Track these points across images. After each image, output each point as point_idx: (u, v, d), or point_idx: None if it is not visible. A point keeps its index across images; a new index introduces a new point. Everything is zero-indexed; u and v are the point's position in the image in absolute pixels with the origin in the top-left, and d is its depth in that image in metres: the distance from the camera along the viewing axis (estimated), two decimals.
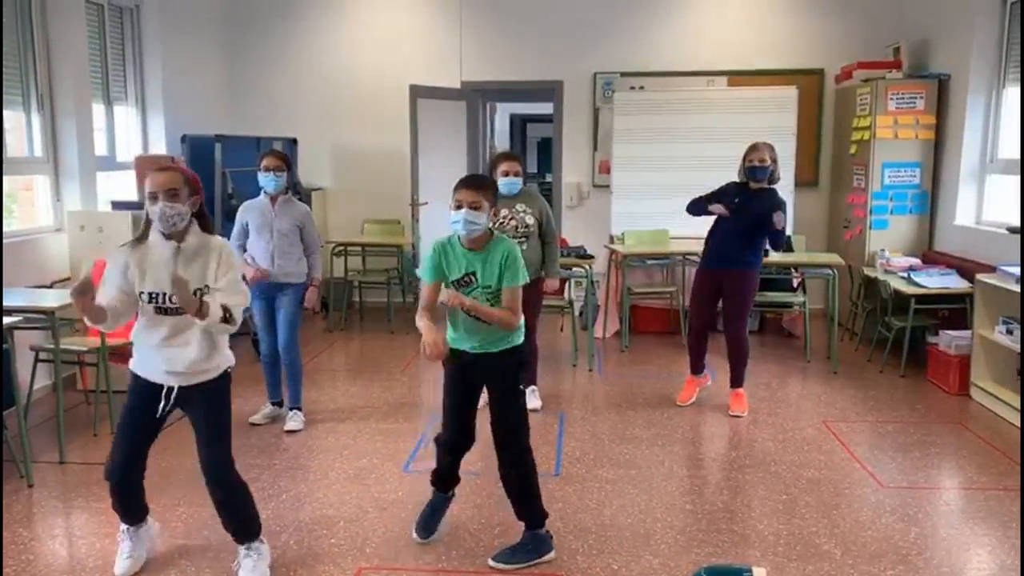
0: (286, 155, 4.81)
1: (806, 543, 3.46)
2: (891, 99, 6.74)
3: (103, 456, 4.33)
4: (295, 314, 4.80)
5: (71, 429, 4.66)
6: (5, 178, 5.55)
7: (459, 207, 3.12)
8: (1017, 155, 5.78)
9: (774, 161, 4.97)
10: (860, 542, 3.47)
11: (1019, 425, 4.79)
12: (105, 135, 6.49)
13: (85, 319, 2.94)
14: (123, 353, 5.10)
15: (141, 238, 3.01)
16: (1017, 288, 4.93)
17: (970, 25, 6.31)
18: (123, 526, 3.24)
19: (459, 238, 3.22)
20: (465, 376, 3.34)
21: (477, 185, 3.17)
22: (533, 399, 5.15)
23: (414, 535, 3.46)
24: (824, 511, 3.76)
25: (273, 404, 4.95)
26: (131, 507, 3.21)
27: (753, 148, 5.01)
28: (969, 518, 3.72)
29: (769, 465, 4.31)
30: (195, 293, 2.90)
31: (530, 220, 4.94)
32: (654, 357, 6.49)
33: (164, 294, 2.95)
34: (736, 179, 5.10)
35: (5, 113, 5.34)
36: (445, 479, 3.51)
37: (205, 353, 3.02)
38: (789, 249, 6.65)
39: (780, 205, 4.89)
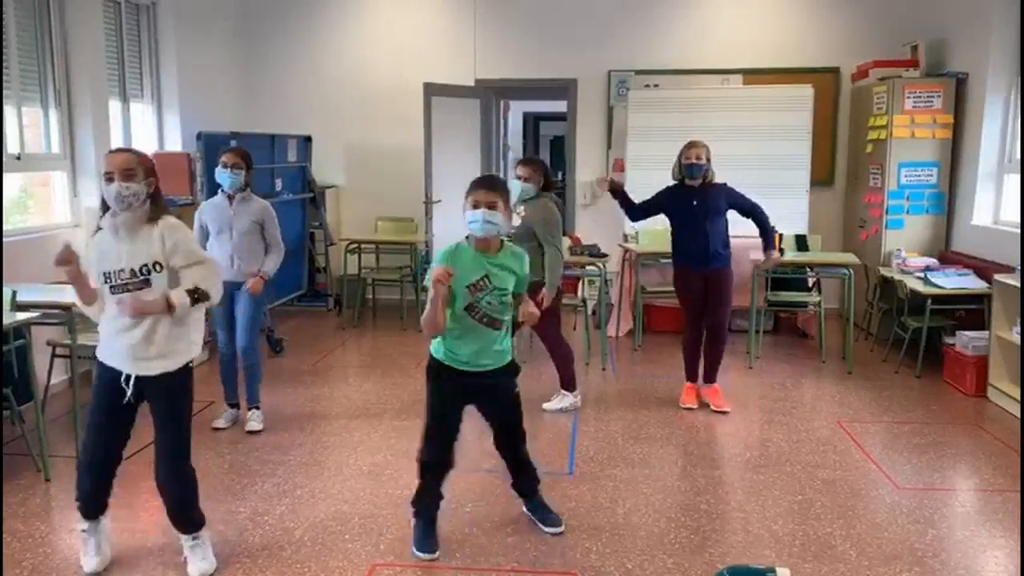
0: (247, 153, 4.65)
1: (821, 544, 3.45)
2: (908, 98, 6.69)
3: None
4: (255, 314, 4.67)
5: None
6: (23, 175, 5.60)
7: (476, 207, 3.11)
8: None
9: (708, 160, 4.99)
10: (875, 543, 3.45)
11: None
12: (121, 132, 6.52)
13: (77, 297, 2.99)
14: None
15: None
16: None
17: (988, 24, 6.26)
18: (84, 524, 3.19)
19: (468, 241, 3.20)
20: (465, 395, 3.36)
21: (491, 185, 3.17)
22: (555, 402, 5.16)
23: (419, 553, 3.30)
24: (839, 512, 3.74)
25: (231, 407, 4.82)
26: (99, 499, 3.18)
27: (691, 145, 5.01)
28: (986, 520, 3.69)
29: (784, 465, 4.29)
30: (142, 270, 2.96)
31: (516, 221, 4.89)
32: (668, 356, 6.47)
33: (112, 271, 2.98)
34: (670, 183, 5.12)
35: (23, 110, 5.39)
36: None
37: (169, 337, 3.03)
38: (804, 248, 6.62)
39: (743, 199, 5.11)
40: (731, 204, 5.06)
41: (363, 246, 7.65)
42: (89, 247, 3.09)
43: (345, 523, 3.60)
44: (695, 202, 5.00)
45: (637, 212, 5.27)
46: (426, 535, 3.36)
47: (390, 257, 7.89)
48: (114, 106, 6.35)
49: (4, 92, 5.18)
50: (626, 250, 7.03)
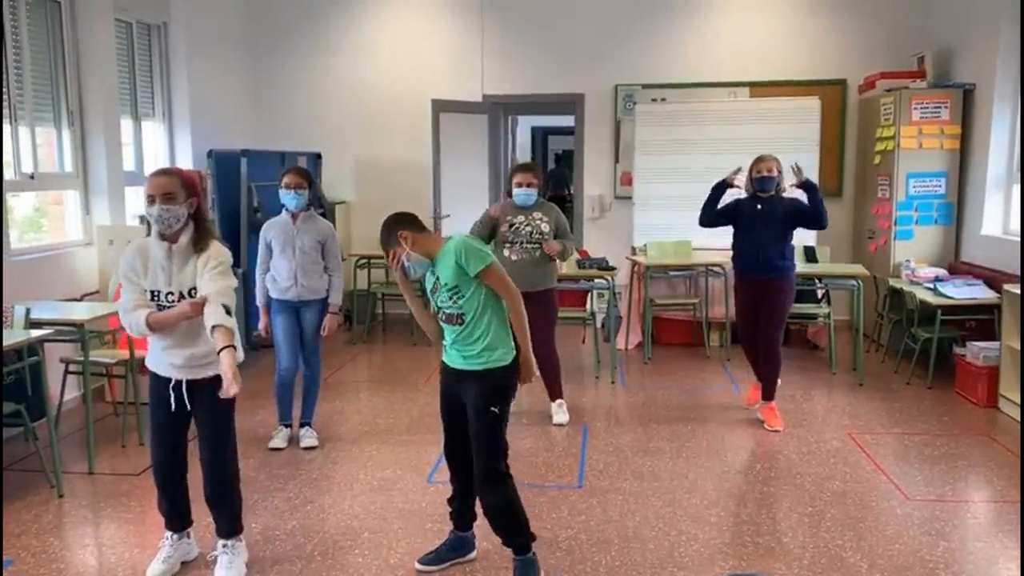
0: (308, 172, 4.78)
1: (832, 556, 3.43)
2: (915, 109, 6.70)
3: (132, 467, 4.43)
4: (320, 329, 4.77)
5: (100, 440, 4.72)
6: (36, 194, 5.67)
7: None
8: None
9: (780, 172, 5.00)
10: (886, 555, 3.44)
11: None
12: (133, 150, 6.60)
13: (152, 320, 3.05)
14: None
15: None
16: None
17: (995, 34, 6.27)
18: (167, 533, 3.33)
19: None
20: (448, 392, 3.30)
21: (382, 238, 3.22)
22: (561, 413, 5.15)
23: (417, 565, 3.35)
24: (850, 524, 3.73)
25: (286, 427, 4.82)
26: (174, 511, 3.31)
27: (760, 159, 5.03)
28: (998, 531, 3.67)
29: (794, 477, 4.28)
30: (191, 292, 3.07)
31: (545, 228, 5.03)
32: (677, 369, 6.47)
33: (161, 292, 3.08)
34: (742, 195, 5.14)
35: (37, 129, 5.46)
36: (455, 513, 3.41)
37: (210, 347, 3.06)
38: (813, 260, 6.62)
39: (797, 202, 5.03)
40: (797, 211, 5.01)
41: (373, 261, 7.68)
42: (125, 255, 3.14)
43: (355, 538, 3.61)
44: (759, 206, 5.01)
45: (710, 216, 5.23)
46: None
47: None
48: (126, 125, 6.43)
49: (18, 112, 5.26)
50: (635, 263, 7.04)
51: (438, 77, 8.05)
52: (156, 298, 3.09)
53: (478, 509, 3.31)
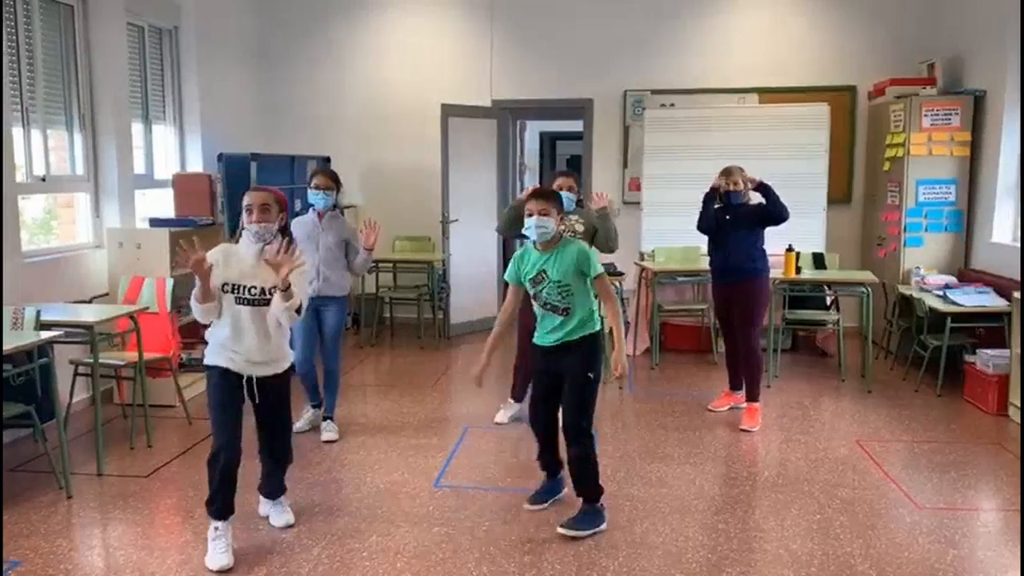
0: (336, 175, 5.01)
1: (840, 564, 3.42)
2: (925, 116, 6.68)
3: (140, 469, 4.45)
4: (340, 327, 4.98)
5: (109, 442, 4.74)
6: (46, 196, 5.70)
7: (530, 215, 3.62)
8: None
9: (746, 183, 5.19)
10: (896, 563, 3.42)
11: None
12: (144, 153, 6.62)
13: (197, 292, 3.31)
14: (159, 368, 5.21)
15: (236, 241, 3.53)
16: None
17: (1005, 41, 6.25)
18: (214, 524, 3.43)
19: (534, 244, 3.70)
20: (548, 368, 3.78)
21: (543, 196, 3.72)
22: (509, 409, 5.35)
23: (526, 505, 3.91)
24: (859, 531, 3.72)
25: (314, 407, 5.08)
26: (230, 497, 3.45)
27: (727, 173, 5.22)
28: (1008, 540, 3.65)
29: (802, 484, 4.27)
30: (270, 290, 3.37)
31: (579, 227, 5.12)
32: (685, 375, 6.46)
33: (244, 286, 3.39)
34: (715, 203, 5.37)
35: (49, 132, 5.49)
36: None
37: (276, 345, 3.49)
38: (822, 266, 6.60)
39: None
40: (761, 211, 5.17)
41: (381, 265, 7.70)
42: (218, 251, 3.44)
43: (363, 541, 3.62)
44: (727, 216, 5.22)
45: (706, 221, 5.41)
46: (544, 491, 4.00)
47: (407, 276, 7.93)
48: (137, 128, 6.46)
49: (31, 115, 5.29)
50: (642, 268, 7.04)
51: (447, 82, 8.07)
52: (236, 291, 3.39)
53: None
